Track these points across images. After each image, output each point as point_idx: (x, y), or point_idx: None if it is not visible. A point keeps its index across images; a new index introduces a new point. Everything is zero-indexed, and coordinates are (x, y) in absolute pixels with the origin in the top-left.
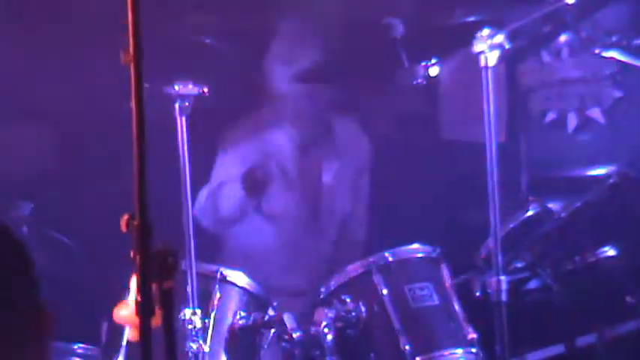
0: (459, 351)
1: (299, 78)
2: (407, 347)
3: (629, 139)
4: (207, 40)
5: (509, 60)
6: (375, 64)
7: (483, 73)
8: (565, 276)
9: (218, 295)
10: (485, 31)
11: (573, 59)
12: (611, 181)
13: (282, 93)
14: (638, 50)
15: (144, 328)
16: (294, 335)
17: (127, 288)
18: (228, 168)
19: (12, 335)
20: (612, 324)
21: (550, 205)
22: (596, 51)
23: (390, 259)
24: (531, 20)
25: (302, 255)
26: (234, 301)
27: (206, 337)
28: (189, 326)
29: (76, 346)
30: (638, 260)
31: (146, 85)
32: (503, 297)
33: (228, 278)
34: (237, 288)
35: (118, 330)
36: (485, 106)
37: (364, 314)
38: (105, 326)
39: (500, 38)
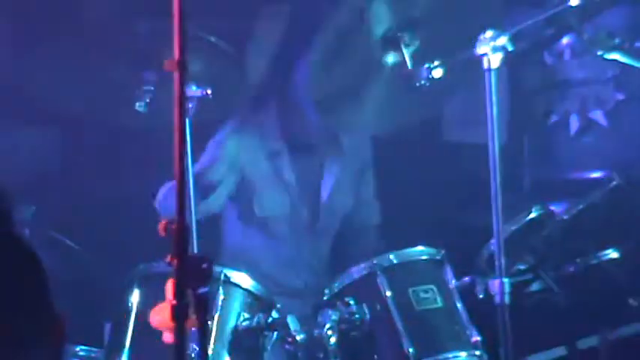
0: (463, 354)
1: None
2: (410, 350)
3: (632, 142)
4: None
5: (512, 62)
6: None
7: (486, 75)
8: (567, 278)
9: (221, 296)
10: (488, 33)
11: (576, 61)
12: (613, 183)
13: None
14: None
15: (179, 332)
16: (298, 337)
17: (128, 289)
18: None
19: (26, 342)
20: (614, 326)
21: (552, 208)
22: (599, 53)
23: (394, 261)
24: (534, 22)
25: (301, 257)
26: (237, 302)
27: (209, 339)
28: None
29: (78, 349)
30: None
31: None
32: (506, 299)
33: (231, 280)
34: (240, 290)
35: (121, 331)
36: (487, 108)
37: (368, 316)
38: (108, 328)
39: (503, 40)
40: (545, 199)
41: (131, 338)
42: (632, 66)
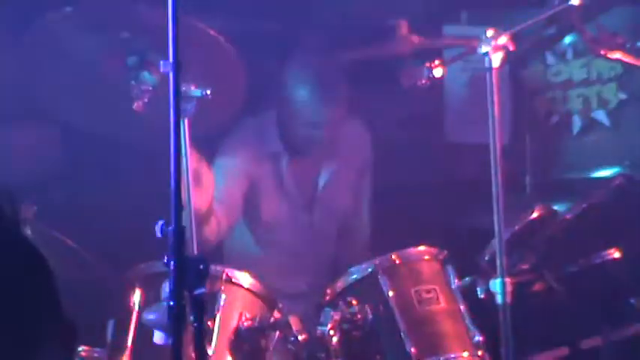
0: (466, 354)
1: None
2: (412, 350)
3: (634, 141)
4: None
5: (514, 62)
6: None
7: (488, 75)
8: (569, 278)
9: (223, 296)
10: (490, 33)
11: (578, 61)
12: (616, 183)
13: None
14: None
15: (175, 332)
16: (300, 337)
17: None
18: (225, 175)
19: (38, 349)
20: (617, 326)
21: (555, 207)
22: (601, 53)
23: (397, 261)
24: (536, 22)
25: (303, 258)
26: (239, 302)
27: (211, 339)
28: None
29: (80, 349)
30: None
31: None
32: (508, 299)
33: (233, 279)
34: (242, 289)
35: (122, 331)
36: (489, 108)
37: (370, 316)
38: (110, 327)
39: (504, 40)
40: (548, 199)
41: (132, 338)
42: (634, 65)
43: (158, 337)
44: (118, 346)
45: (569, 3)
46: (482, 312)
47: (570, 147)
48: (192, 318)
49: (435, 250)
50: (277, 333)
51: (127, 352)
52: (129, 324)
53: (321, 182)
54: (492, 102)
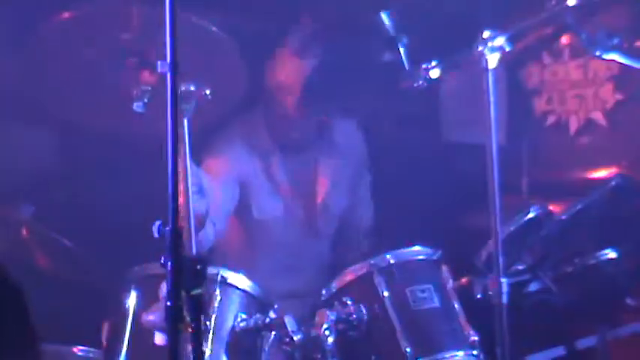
0: (460, 353)
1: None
2: (408, 349)
3: (630, 142)
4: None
5: (511, 62)
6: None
7: (484, 75)
8: (565, 278)
9: (218, 297)
10: (487, 33)
11: (574, 61)
12: (612, 183)
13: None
14: (639, 52)
15: (172, 333)
16: (295, 338)
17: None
18: (216, 173)
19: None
20: (613, 326)
21: (551, 208)
22: (597, 53)
23: (392, 261)
24: (532, 22)
25: (298, 257)
26: (234, 303)
27: (207, 340)
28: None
29: (76, 349)
30: (639, 262)
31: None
32: (504, 299)
33: (228, 280)
34: (237, 290)
35: (118, 332)
36: (486, 108)
37: (365, 316)
38: (105, 328)
39: (501, 40)
40: (544, 199)
41: (128, 340)
42: (630, 66)
43: (159, 338)
44: (114, 347)
45: (566, 3)
46: (478, 312)
47: (567, 147)
48: (189, 318)
49: (429, 250)
50: (272, 333)
51: (123, 353)
52: (125, 326)
53: (318, 182)
54: (489, 102)
